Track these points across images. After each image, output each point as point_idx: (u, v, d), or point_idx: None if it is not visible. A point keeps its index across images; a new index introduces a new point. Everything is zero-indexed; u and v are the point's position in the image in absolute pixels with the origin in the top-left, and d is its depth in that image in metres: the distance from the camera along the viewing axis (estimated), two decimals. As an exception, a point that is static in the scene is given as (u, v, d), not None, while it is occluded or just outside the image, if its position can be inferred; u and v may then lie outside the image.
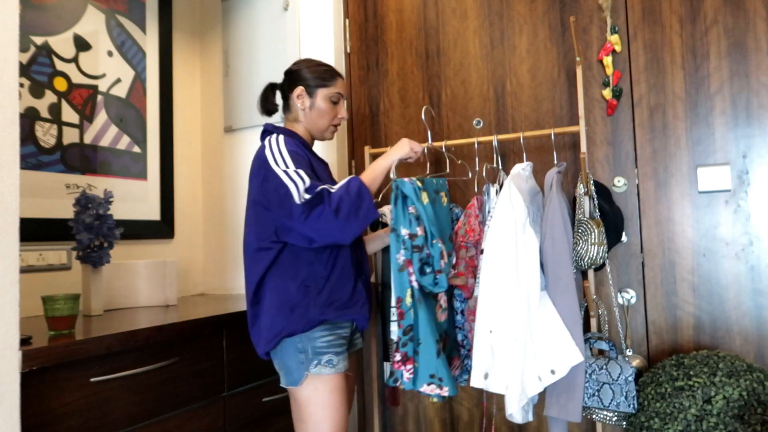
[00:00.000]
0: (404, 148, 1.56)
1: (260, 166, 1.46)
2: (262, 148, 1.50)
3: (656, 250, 1.78)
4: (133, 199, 2.19)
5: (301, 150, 1.51)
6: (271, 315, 1.44)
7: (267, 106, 1.66)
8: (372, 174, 1.50)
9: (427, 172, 1.92)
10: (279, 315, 1.44)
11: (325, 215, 1.35)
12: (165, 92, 2.36)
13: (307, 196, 1.37)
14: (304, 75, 1.60)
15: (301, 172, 1.41)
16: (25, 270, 1.76)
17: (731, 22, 1.72)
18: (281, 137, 1.51)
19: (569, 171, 1.89)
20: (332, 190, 1.40)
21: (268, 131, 1.58)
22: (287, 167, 1.42)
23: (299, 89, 1.59)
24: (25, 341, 1.24)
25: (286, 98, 1.63)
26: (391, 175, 1.56)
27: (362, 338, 1.72)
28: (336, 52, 2.22)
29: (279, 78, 1.71)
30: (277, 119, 2.12)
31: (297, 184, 1.39)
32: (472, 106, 2.06)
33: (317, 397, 1.44)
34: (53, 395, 1.23)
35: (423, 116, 1.79)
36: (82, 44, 2.02)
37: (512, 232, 1.51)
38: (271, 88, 1.66)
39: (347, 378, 1.64)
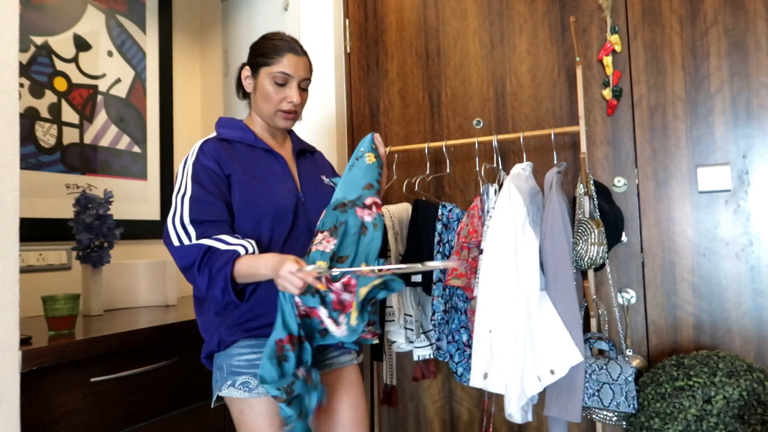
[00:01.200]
0: (281, 283, 1.12)
1: None
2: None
3: (656, 250, 1.78)
4: (133, 199, 2.19)
5: (213, 162, 1.27)
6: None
7: (240, 89, 1.44)
8: (252, 270, 1.18)
9: (427, 171, 1.92)
10: (204, 333, 1.34)
11: (194, 275, 1.19)
12: (165, 92, 2.36)
13: (192, 242, 1.19)
14: (250, 52, 1.38)
15: (186, 202, 1.21)
16: (25, 270, 1.76)
17: (731, 22, 1.72)
18: (198, 146, 1.30)
19: (569, 171, 1.89)
20: (221, 248, 1.18)
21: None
22: (180, 192, 1.25)
23: (246, 69, 1.38)
24: (25, 341, 1.24)
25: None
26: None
27: (354, 353, 1.44)
28: (336, 52, 2.22)
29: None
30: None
31: (176, 225, 1.21)
32: (472, 106, 2.06)
33: (244, 422, 1.25)
34: (53, 395, 1.23)
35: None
36: (82, 44, 2.02)
37: (512, 232, 1.52)
38: (241, 69, 1.43)
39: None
